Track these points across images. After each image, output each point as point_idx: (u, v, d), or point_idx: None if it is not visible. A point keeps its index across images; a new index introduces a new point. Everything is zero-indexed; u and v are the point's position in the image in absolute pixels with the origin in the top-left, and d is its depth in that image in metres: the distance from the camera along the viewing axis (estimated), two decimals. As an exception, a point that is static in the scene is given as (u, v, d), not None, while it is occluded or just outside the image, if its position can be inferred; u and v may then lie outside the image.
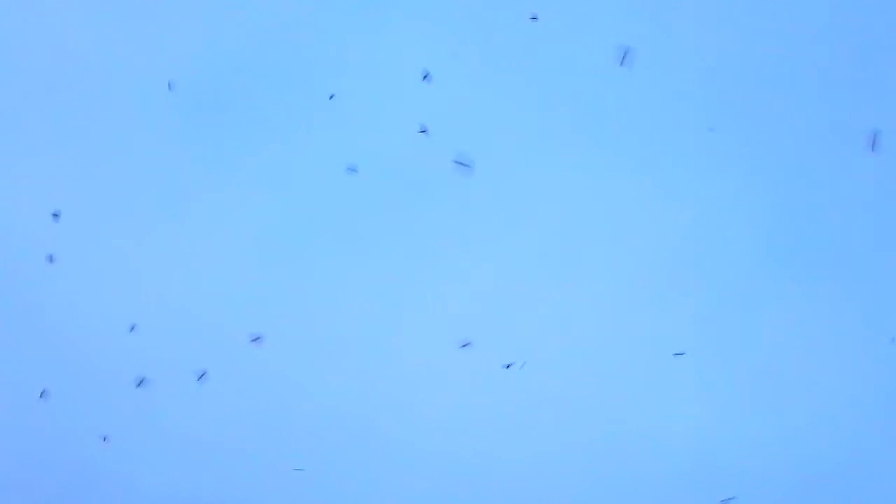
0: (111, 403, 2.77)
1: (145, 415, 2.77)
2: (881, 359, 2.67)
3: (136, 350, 2.76)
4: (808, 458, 2.66)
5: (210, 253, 2.76)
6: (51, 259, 2.77)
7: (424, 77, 2.30)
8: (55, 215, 2.63)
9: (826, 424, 2.67)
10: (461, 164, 2.23)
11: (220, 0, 2.80)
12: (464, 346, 2.70)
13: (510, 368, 2.70)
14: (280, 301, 2.75)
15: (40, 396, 2.75)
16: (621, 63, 2.31)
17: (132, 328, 2.73)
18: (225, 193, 2.76)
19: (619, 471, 2.69)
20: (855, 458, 2.66)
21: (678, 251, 2.71)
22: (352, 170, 2.60)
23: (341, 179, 2.75)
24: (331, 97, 2.61)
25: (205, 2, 2.80)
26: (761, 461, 2.67)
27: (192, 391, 2.75)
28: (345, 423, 2.74)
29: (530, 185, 2.75)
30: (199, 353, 2.76)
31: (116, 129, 2.79)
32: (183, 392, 2.75)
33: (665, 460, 2.68)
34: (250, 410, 2.75)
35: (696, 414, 2.68)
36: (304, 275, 2.75)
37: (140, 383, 2.74)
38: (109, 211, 2.78)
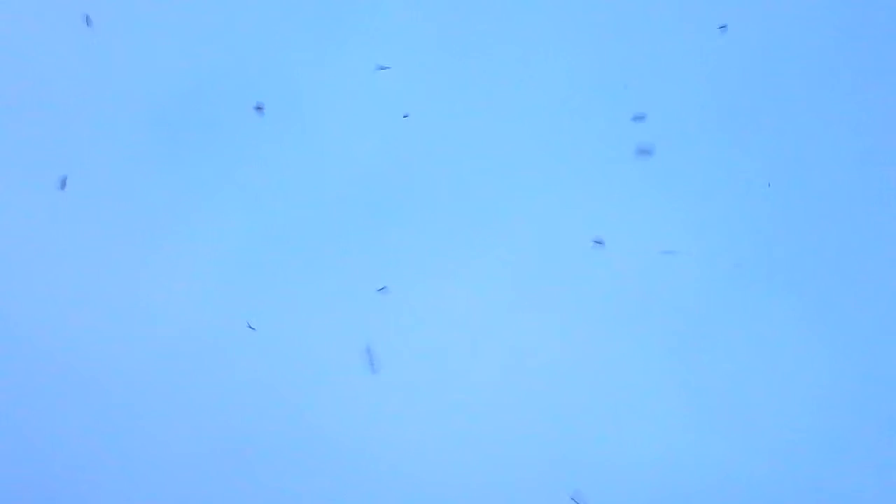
0: (88, 422, 2.75)
1: (122, 428, 2.75)
2: (851, 376, 2.68)
3: (115, 366, 2.75)
4: (775, 479, 2.67)
5: (188, 271, 2.75)
6: (28, 278, 2.76)
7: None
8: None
9: (795, 445, 2.67)
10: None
11: (196, 22, 2.81)
12: (440, 362, 2.71)
13: (480, 386, 2.71)
14: (258, 319, 2.74)
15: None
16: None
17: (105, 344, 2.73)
18: (201, 214, 2.76)
19: (586, 493, 2.69)
20: (824, 478, 2.67)
21: (643, 271, 2.72)
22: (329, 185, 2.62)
23: (319, 199, 2.76)
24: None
25: (181, 24, 2.81)
26: (728, 483, 2.67)
27: (168, 406, 2.74)
28: (326, 445, 2.73)
29: (499, 207, 2.75)
30: (176, 370, 2.75)
31: (92, 151, 2.79)
32: (161, 408, 2.74)
33: (630, 483, 2.68)
34: (228, 428, 2.74)
35: (661, 435, 2.68)
36: (282, 294, 2.75)
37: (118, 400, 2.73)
38: (85, 231, 2.77)
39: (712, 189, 2.74)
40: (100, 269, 2.76)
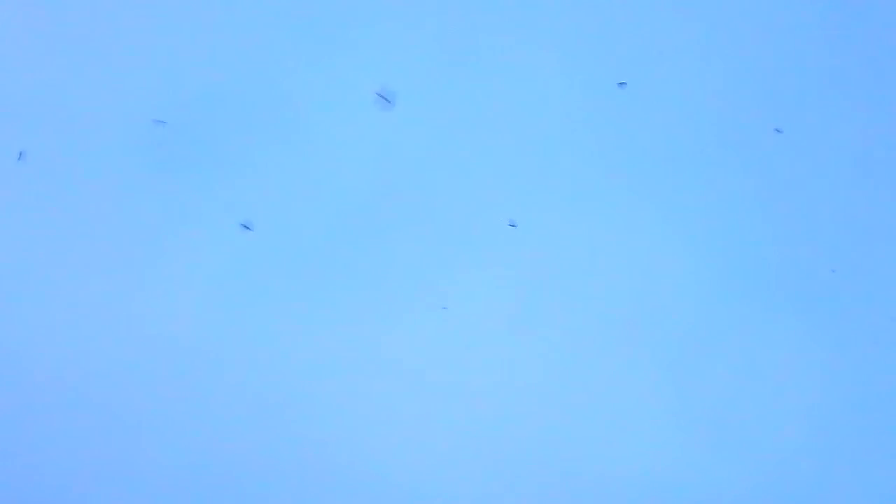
0: (81, 445, 2.74)
1: (113, 452, 2.74)
2: (847, 390, 2.68)
3: (106, 388, 2.74)
4: (769, 493, 2.67)
5: (181, 283, 2.74)
6: (11, 294, 2.75)
7: (386, 99, 2.29)
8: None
9: (789, 460, 2.68)
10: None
11: (188, 37, 2.81)
12: (433, 378, 2.71)
13: (472, 405, 2.71)
14: (252, 340, 2.74)
15: None
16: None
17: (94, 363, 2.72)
18: (196, 226, 2.76)
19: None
20: (819, 493, 2.67)
21: (634, 286, 2.72)
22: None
23: (315, 210, 2.76)
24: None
25: (174, 37, 2.80)
26: (721, 497, 2.67)
27: (159, 427, 2.73)
28: (322, 457, 2.72)
29: (493, 222, 2.76)
30: (169, 392, 2.74)
31: (86, 162, 2.78)
32: (151, 431, 2.73)
33: (623, 498, 2.68)
34: (220, 441, 2.73)
35: (654, 449, 2.68)
36: (275, 314, 2.74)
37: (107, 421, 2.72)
38: (76, 248, 2.76)
39: (707, 204, 2.75)
40: (94, 280, 2.75)
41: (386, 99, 2.37)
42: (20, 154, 2.76)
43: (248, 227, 2.52)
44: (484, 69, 2.80)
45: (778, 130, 2.74)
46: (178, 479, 2.71)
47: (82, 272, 2.74)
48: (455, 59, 2.80)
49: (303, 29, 2.81)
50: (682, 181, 2.75)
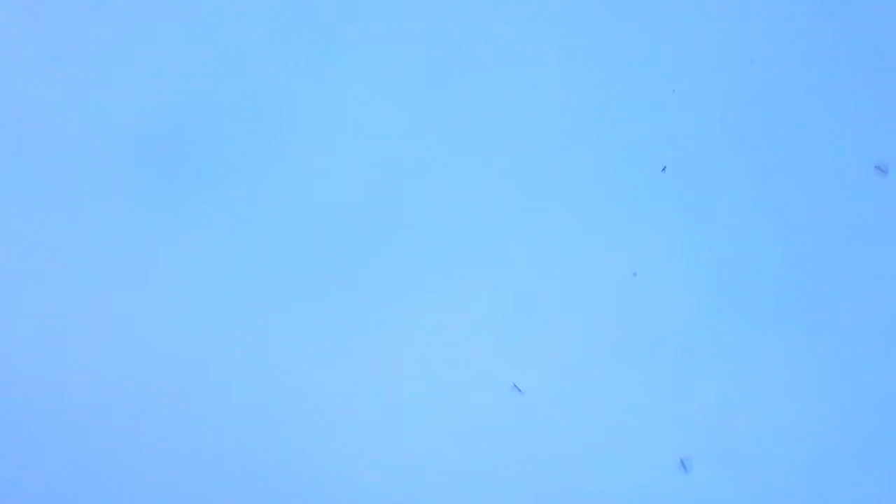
0: (71, 457, 2.75)
1: (102, 460, 2.75)
2: (840, 407, 2.67)
3: (100, 400, 2.74)
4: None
5: (175, 297, 2.75)
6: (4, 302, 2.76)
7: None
8: None
9: (782, 477, 2.66)
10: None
11: (177, 49, 2.81)
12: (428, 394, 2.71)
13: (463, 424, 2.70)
14: (244, 350, 2.74)
15: None
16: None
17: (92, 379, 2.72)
18: (186, 244, 2.76)
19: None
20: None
21: (625, 302, 2.71)
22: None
23: (304, 228, 2.75)
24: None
25: (164, 50, 2.81)
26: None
27: (154, 442, 2.73)
28: (315, 471, 2.72)
29: (484, 237, 2.75)
30: (161, 402, 2.74)
31: (77, 176, 2.79)
32: (144, 443, 2.74)
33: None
34: (213, 454, 2.73)
35: (646, 465, 2.67)
36: (268, 325, 2.74)
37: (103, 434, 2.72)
38: (68, 262, 2.77)
39: (701, 217, 2.74)
40: (86, 288, 2.75)
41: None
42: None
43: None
44: (474, 78, 2.80)
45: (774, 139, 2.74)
46: (170, 483, 2.72)
47: (74, 280, 2.75)
48: (446, 70, 2.80)
49: (294, 39, 2.81)
50: (676, 194, 2.74)
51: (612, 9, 2.80)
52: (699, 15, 2.80)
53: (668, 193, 2.74)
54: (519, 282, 2.73)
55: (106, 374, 2.73)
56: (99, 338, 2.74)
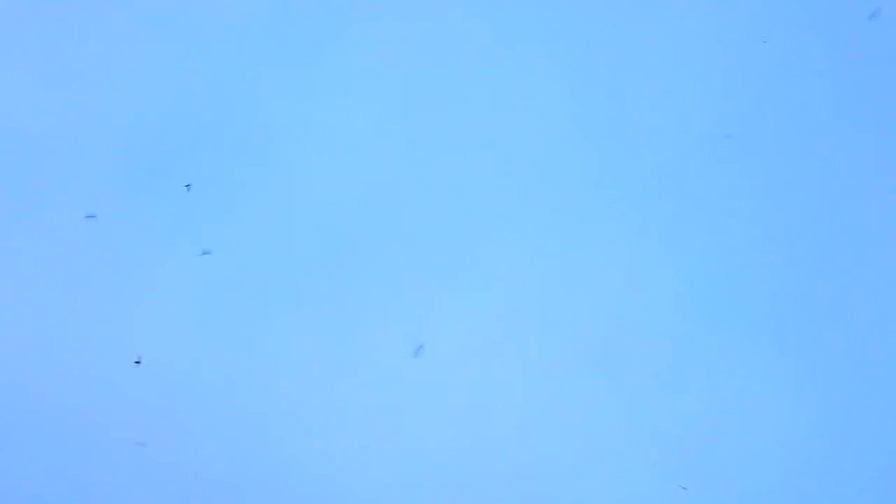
0: (54, 467, 2.76)
1: (93, 475, 2.75)
2: (824, 425, 2.68)
3: (85, 407, 2.75)
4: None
5: (161, 311, 2.75)
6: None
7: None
8: None
9: (765, 493, 2.67)
10: None
11: (167, 59, 2.80)
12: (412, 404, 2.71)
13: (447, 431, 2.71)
14: (234, 359, 2.74)
15: None
16: None
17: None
18: (175, 252, 2.76)
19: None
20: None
21: (604, 317, 2.71)
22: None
23: (293, 236, 2.76)
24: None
25: (153, 60, 2.80)
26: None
27: (136, 459, 2.74)
28: (300, 483, 2.73)
29: (471, 252, 2.75)
30: (151, 409, 2.75)
31: (61, 188, 2.78)
32: (128, 463, 2.74)
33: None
34: (202, 468, 2.74)
35: (627, 484, 2.68)
36: (258, 333, 2.74)
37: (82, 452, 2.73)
38: (45, 272, 2.77)
39: (685, 234, 2.74)
40: (74, 302, 2.76)
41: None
42: None
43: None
44: (466, 86, 2.79)
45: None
46: (158, 491, 2.73)
47: (60, 288, 2.76)
48: (437, 76, 2.80)
49: (285, 46, 2.81)
50: (658, 208, 2.74)
51: (607, 13, 2.80)
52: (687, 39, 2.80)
53: (653, 205, 2.74)
54: (506, 293, 2.73)
55: (92, 382, 2.74)
56: (85, 345, 2.75)
